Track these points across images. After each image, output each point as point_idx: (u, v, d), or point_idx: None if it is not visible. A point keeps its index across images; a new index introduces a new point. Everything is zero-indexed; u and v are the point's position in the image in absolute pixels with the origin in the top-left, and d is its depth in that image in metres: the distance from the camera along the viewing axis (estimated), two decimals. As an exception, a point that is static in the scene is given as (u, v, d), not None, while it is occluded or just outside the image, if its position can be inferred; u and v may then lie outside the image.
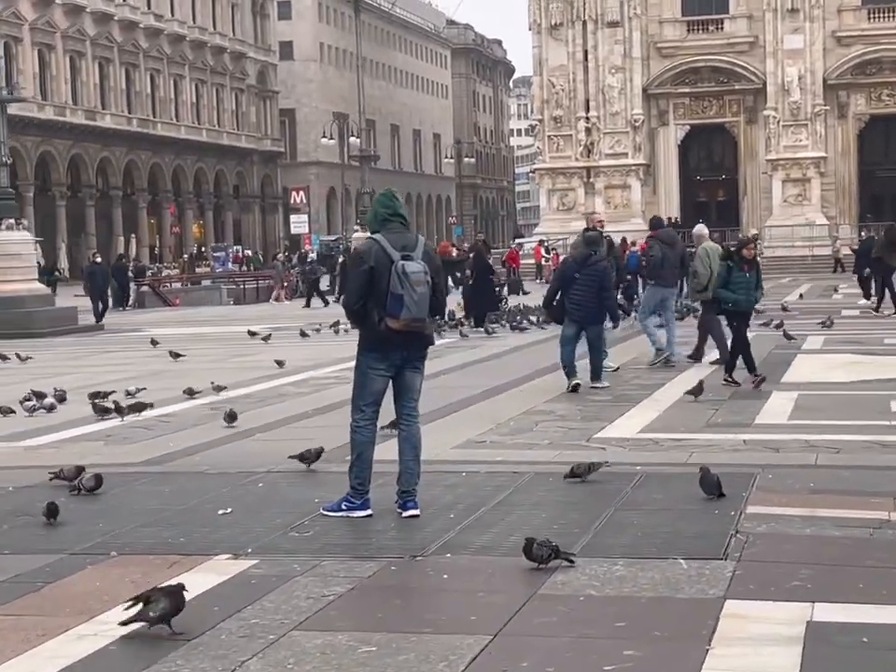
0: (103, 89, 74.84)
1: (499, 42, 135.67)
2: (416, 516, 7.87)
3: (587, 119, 65.56)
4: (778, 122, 63.95)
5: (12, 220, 28.19)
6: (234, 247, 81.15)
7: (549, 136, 66.41)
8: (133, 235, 76.09)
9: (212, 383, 14.78)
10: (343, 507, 7.93)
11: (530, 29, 67.79)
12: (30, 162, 68.43)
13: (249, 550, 7.11)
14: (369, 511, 7.90)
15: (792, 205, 63.81)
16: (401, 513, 7.90)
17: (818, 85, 63.59)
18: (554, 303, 15.13)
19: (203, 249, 78.22)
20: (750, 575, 6.39)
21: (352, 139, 67.61)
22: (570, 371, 14.51)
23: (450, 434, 11.21)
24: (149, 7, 78.72)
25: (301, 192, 49.96)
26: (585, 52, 65.87)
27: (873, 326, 23.32)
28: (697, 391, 13.06)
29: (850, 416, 11.82)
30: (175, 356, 19.15)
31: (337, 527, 7.67)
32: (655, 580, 6.35)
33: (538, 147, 67.55)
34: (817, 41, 63.79)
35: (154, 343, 22.19)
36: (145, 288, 42.09)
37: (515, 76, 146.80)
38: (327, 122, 69.03)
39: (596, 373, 14.74)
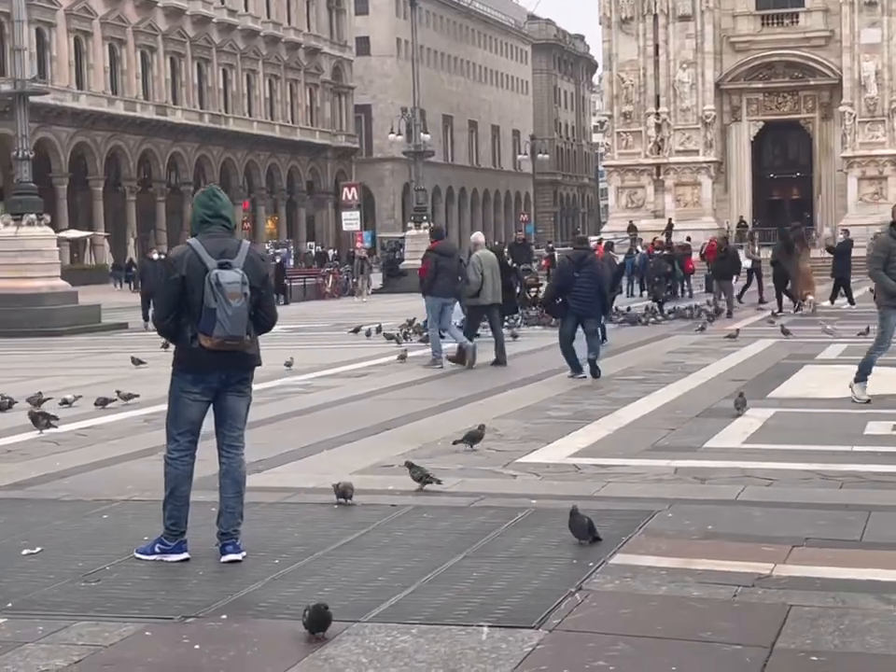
0: (174, 84, 74.88)
1: (582, 37, 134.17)
2: (237, 561, 6.93)
3: (657, 114, 64.28)
4: (854, 119, 62.08)
5: (34, 216, 27.70)
6: (309, 243, 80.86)
7: (618, 132, 65.27)
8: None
9: (118, 392, 13.95)
10: (157, 549, 7.02)
11: (600, 23, 66.55)
12: (100, 157, 68.61)
13: (10, 604, 6.21)
14: (184, 555, 6.98)
15: (868, 204, 61.90)
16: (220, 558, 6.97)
17: (895, 80, 61.56)
18: (557, 302, 16.27)
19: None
20: (552, 651, 5.37)
21: (423, 135, 66.67)
22: (573, 361, 15.77)
23: (361, 456, 10.35)
24: (223, 3, 78.63)
25: (353, 189, 49.16)
26: (656, 47, 64.55)
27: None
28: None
29: (814, 440, 10.82)
30: (137, 362, 18.25)
31: (139, 575, 6.77)
32: (438, 655, 5.36)
33: (606, 144, 66.32)
34: (895, 35, 61.72)
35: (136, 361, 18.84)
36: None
37: (598, 71, 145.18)
38: (395, 118, 68.01)
39: (593, 360, 15.76)
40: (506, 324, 22.16)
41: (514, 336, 22.97)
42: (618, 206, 65.93)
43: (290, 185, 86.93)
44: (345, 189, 48.84)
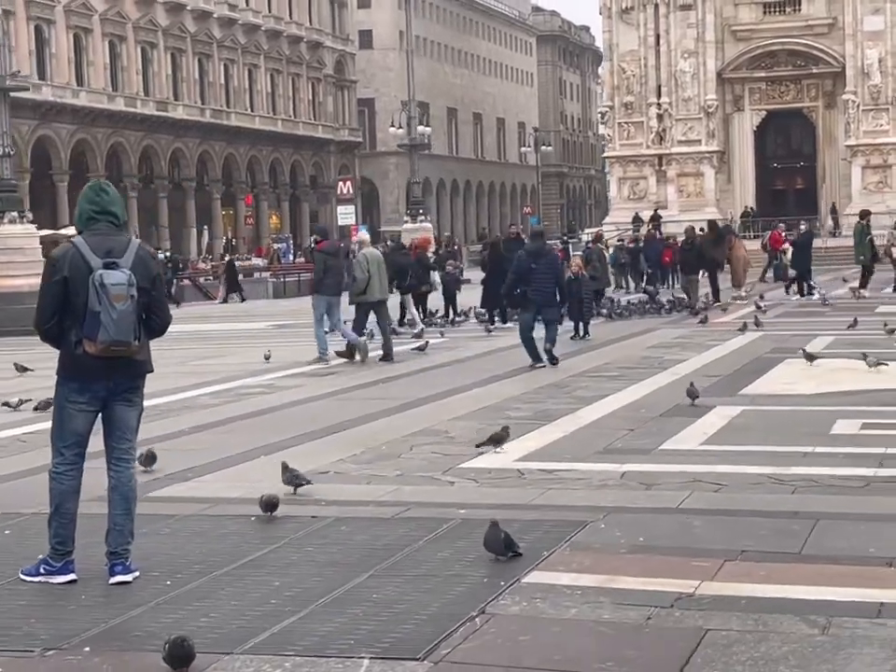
0: (175, 79, 74.42)
1: (587, 28, 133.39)
2: (126, 582, 6.45)
3: (659, 105, 63.64)
4: (858, 107, 61.38)
5: (15, 213, 27.28)
6: (313, 237, 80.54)
7: (619, 123, 64.63)
8: (207, 227, 75.63)
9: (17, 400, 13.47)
10: (42, 570, 6.55)
11: (601, 13, 65.93)
12: (101, 154, 68.22)
13: None
14: (71, 576, 6.51)
15: (873, 192, 61.20)
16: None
17: (899, 67, 60.91)
18: (516, 293, 16.93)
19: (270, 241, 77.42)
20: (431, 687, 4.88)
21: (420, 128, 66.15)
22: (532, 351, 16.46)
23: (300, 462, 9.79)
24: (223, -2, 78.18)
25: (349, 183, 48.94)
26: (657, 36, 63.90)
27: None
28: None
29: (776, 440, 10.34)
30: (22, 369, 17.25)
31: (18, 599, 6.30)
32: (306, 692, 4.87)
33: (608, 135, 65.66)
34: (898, 22, 61.05)
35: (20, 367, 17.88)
36: (186, 282, 41.45)
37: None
38: (397, 111, 67.48)
39: (551, 340, 16.56)
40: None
41: (488, 331, 22.63)
42: (620, 198, 65.34)
43: (293, 179, 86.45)
44: (340, 184, 48.77)
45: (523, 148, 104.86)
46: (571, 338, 20.81)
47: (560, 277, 16.98)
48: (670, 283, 35.40)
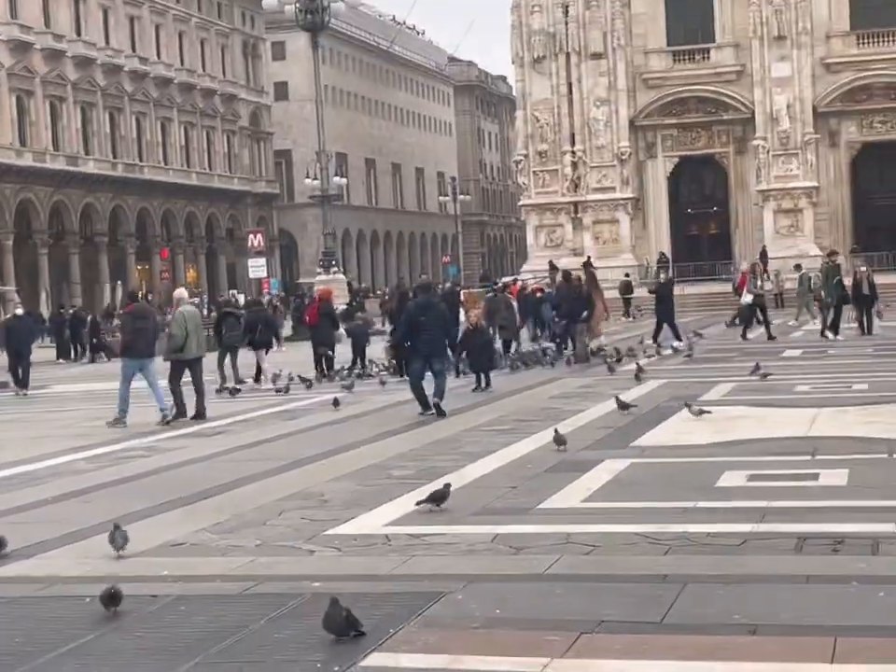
0: (86, 133, 73.60)
1: (503, 78, 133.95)
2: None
3: (573, 153, 63.83)
4: (768, 152, 62.00)
5: None
6: (231, 291, 79.64)
7: (534, 171, 64.71)
8: (120, 282, 74.63)
9: None
10: None
11: (513, 62, 66.16)
12: (9, 210, 67.17)
13: None
14: None
15: (785, 237, 61.74)
16: None
17: (807, 113, 61.66)
18: (406, 344, 17.97)
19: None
20: None
21: (335, 178, 65.98)
22: (422, 400, 17.01)
23: (156, 532, 9.40)
24: (134, 51, 77.59)
25: (259, 235, 48.38)
26: (570, 85, 64.20)
27: (797, 369, 21.41)
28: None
29: (659, 495, 10.04)
30: None
31: None
32: None
33: (523, 183, 65.65)
34: (805, 68, 61.85)
35: None
36: (96, 340, 40.76)
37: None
38: (313, 162, 67.10)
39: (439, 395, 17.02)
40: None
41: (382, 383, 22.45)
42: (537, 245, 65.32)
43: (210, 232, 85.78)
44: (251, 237, 48.01)
45: (442, 198, 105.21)
46: (473, 390, 20.46)
47: (449, 329, 17.87)
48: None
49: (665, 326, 28.78)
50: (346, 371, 25.21)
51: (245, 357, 25.01)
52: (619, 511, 9.46)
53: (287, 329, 46.81)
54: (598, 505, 9.76)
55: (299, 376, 23.85)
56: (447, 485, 9.96)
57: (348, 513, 9.86)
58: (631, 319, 45.38)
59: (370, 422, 16.92)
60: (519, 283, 44.02)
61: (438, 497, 9.76)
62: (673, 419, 15.00)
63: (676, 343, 27.53)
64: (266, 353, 25.24)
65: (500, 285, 33.56)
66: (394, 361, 24.16)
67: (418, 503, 9.77)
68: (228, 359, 24.38)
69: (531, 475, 11.37)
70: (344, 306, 37.92)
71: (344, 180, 77.08)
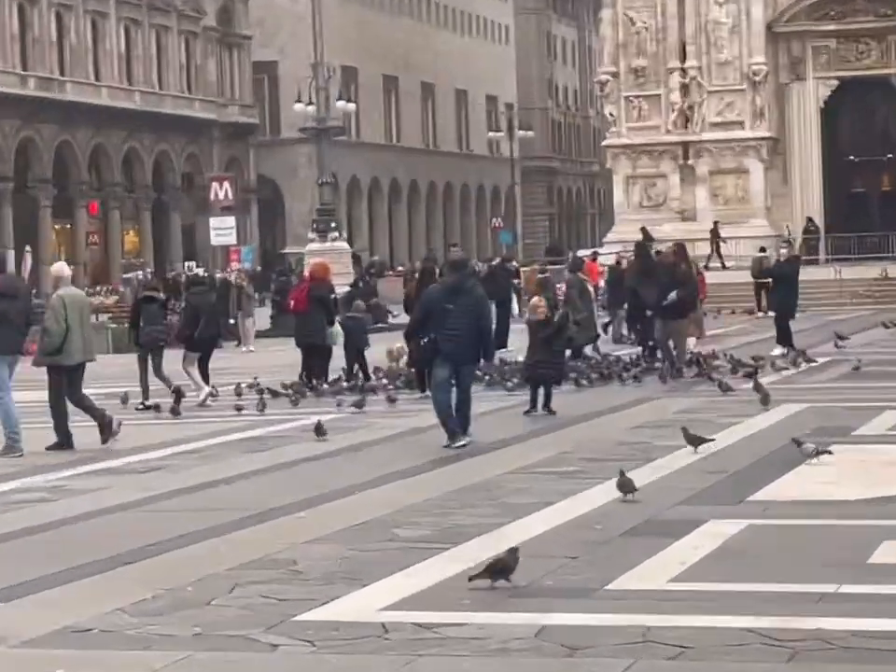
0: (-18, 36, 74.35)
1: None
2: None
3: (683, 71, 63.89)
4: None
5: None
6: (188, 264, 79.95)
7: (627, 98, 64.82)
8: (29, 247, 75.10)
9: None
10: None
11: (600, -58, 66.33)
12: None
13: None
14: None
15: None
16: None
17: None
18: (423, 342, 18.19)
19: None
20: None
21: (338, 103, 66.21)
22: (450, 424, 17.46)
23: (52, 612, 9.60)
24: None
25: (226, 183, 48.58)
26: (681, -28, 64.16)
27: None
28: None
29: (785, 574, 10.05)
30: None
31: None
32: None
33: (610, 115, 65.75)
34: None
35: None
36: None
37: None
38: (305, 80, 67.04)
39: (463, 424, 17.60)
40: None
41: (391, 400, 22.97)
42: (628, 204, 65.39)
43: (159, 179, 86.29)
44: (214, 186, 48.17)
45: (493, 134, 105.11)
46: (526, 412, 20.71)
47: (484, 322, 18.02)
48: None
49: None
50: (346, 382, 25.40)
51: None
52: (723, 595, 9.49)
53: (262, 319, 47.11)
54: (694, 587, 9.80)
55: (267, 389, 23.97)
56: (513, 550, 9.90)
57: (330, 591, 9.93)
58: (764, 314, 45.31)
59: (371, 457, 17.11)
60: (616, 256, 44.10)
61: (500, 569, 9.73)
62: (811, 463, 15.00)
63: (776, 352, 28.12)
64: (206, 357, 25.35)
65: (572, 260, 33.54)
66: (411, 368, 24.25)
67: (471, 579, 9.79)
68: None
69: (600, 540, 11.46)
70: (348, 289, 38.09)
71: (353, 106, 77.16)
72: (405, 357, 24.99)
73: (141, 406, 23.76)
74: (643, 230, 58.41)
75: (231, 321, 41.59)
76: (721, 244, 58.79)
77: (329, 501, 13.85)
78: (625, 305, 32.36)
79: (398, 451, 17.53)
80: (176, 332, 25.46)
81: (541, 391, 20.81)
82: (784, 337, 29.05)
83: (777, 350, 28.34)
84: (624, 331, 33.90)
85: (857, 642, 8.19)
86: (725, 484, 13.89)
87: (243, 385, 24.75)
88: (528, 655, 8.23)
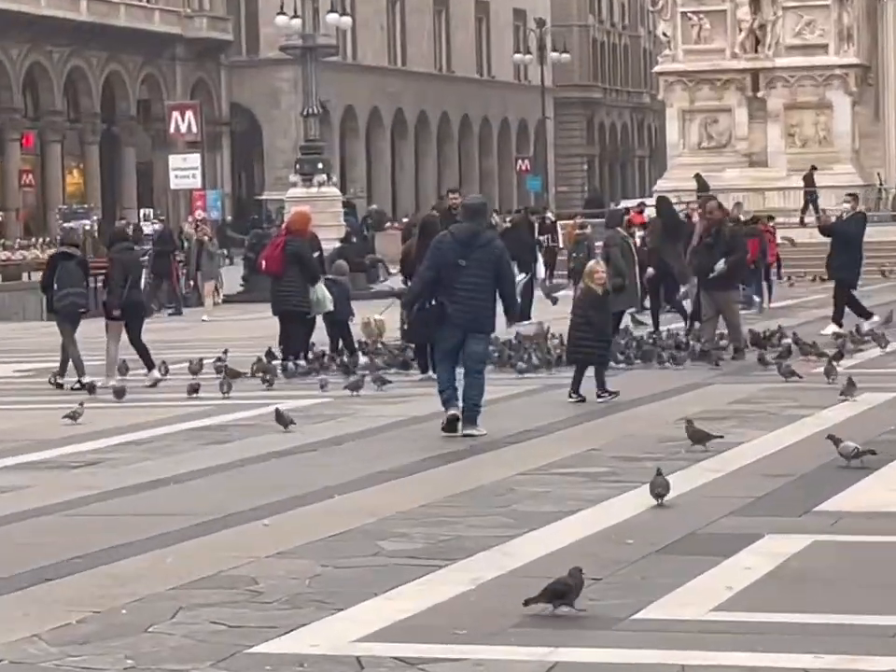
0: None
1: None
2: None
3: (754, -20, 64.05)
4: None
5: None
6: (144, 211, 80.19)
7: (684, 14, 64.95)
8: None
9: None
10: None
11: None
12: None
13: None
14: None
15: None
16: None
17: None
18: (428, 306, 18.30)
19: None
20: None
21: (329, 16, 66.38)
22: (449, 396, 17.99)
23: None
24: None
25: (190, 113, 48.65)
26: None
27: None
28: None
29: (855, 603, 10.08)
30: None
31: None
32: None
33: (664, 35, 65.90)
34: None
35: None
36: None
37: None
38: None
39: (472, 414, 17.88)
40: None
41: (381, 383, 22.85)
42: (684, 145, 65.55)
43: (109, 107, 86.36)
44: (175, 115, 48.22)
45: (520, 56, 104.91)
46: (571, 395, 20.72)
47: (505, 281, 18.30)
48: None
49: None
50: (325, 358, 25.71)
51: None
52: (778, 628, 9.51)
53: (233, 279, 47.24)
54: (742, 617, 9.82)
55: (225, 367, 24.13)
56: (576, 571, 9.91)
57: (296, 617, 10.00)
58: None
59: (355, 452, 17.20)
60: (686, 208, 43.99)
61: (560, 592, 9.76)
62: (852, 465, 15.17)
63: (828, 330, 28.55)
64: (136, 329, 25.37)
65: (611, 213, 33.62)
66: (410, 343, 24.30)
67: (527, 602, 9.79)
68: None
69: (631, 558, 11.52)
70: (338, 244, 38.17)
71: (348, 20, 76.98)
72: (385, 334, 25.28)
73: (78, 386, 23.79)
74: (698, 177, 58.56)
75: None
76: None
77: (300, 506, 13.92)
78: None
79: (388, 445, 17.60)
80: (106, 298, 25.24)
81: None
82: (841, 312, 29.09)
83: (831, 328, 28.49)
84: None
85: (942, 687, 8.28)
86: (787, 491, 13.94)
87: (205, 362, 24.78)
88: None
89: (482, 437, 17.56)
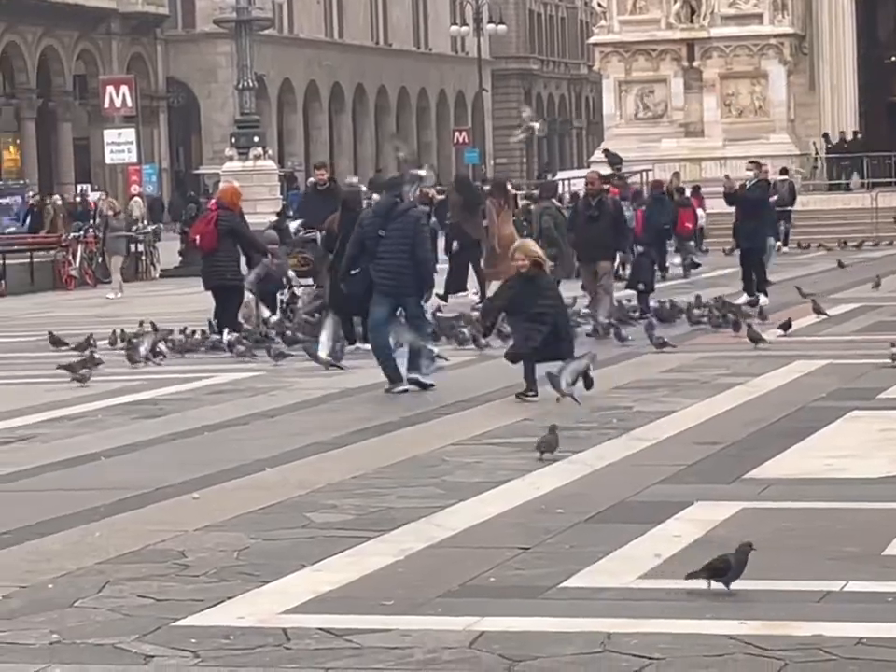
0: None
1: None
2: None
3: (688, -51, 63.97)
4: None
5: None
6: (81, 186, 79.83)
7: (619, -16, 64.79)
8: None
9: None
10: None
11: None
12: None
13: None
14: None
15: None
16: None
17: None
18: (352, 273, 19.83)
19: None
20: None
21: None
22: (390, 367, 19.10)
23: None
24: None
25: (125, 87, 48.55)
26: None
27: None
28: None
29: (783, 568, 10.15)
30: None
31: None
32: None
33: (598, 5, 65.76)
34: None
35: None
36: None
37: None
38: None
39: (415, 363, 19.19)
40: None
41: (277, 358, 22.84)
42: (621, 116, 65.33)
43: (45, 83, 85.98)
44: (110, 90, 48.05)
45: (457, 27, 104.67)
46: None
47: (420, 249, 19.27)
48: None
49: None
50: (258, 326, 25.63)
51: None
52: (704, 595, 9.51)
53: (171, 254, 47.17)
54: (669, 585, 9.86)
55: (129, 339, 24.28)
56: (744, 547, 9.65)
57: (223, 590, 10.00)
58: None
59: (287, 425, 17.31)
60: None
61: (720, 570, 9.57)
62: (827, 430, 15.31)
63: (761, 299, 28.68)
64: None
65: (544, 185, 33.71)
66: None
67: (688, 576, 9.65)
68: None
69: (559, 527, 11.52)
70: (274, 218, 38.03)
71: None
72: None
73: None
74: (606, 152, 58.09)
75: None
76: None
77: (230, 479, 13.93)
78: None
79: (320, 418, 17.66)
80: None
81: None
82: (750, 283, 29.28)
83: (742, 298, 28.59)
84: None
85: (862, 651, 8.27)
86: (718, 459, 13.98)
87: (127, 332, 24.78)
88: (461, 668, 8.30)
89: (432, 386, 19.08)
